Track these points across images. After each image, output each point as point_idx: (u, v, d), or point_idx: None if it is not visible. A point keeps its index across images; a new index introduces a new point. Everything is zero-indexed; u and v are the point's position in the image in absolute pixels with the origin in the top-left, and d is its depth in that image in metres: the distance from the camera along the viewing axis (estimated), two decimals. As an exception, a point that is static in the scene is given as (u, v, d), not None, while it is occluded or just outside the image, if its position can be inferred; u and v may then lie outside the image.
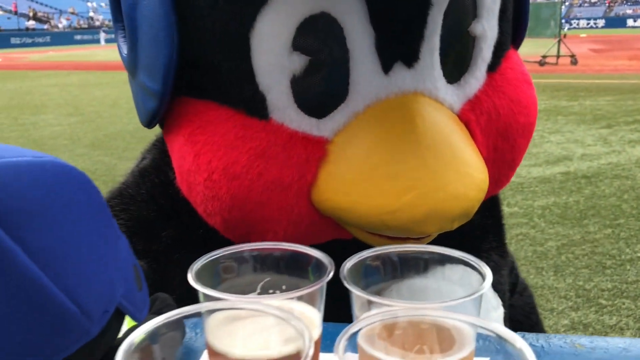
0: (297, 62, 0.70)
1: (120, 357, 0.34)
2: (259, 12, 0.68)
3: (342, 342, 0.36)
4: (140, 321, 0.44)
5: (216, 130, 0.74)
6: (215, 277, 0.48)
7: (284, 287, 0.48)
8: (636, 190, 4.60)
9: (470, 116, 0.78)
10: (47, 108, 9.85)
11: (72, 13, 54.61)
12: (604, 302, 2.89)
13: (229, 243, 0.56)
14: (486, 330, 0.39)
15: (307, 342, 0.36)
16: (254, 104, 0.72)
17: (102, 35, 34.00)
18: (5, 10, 48.01)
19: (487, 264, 0.91)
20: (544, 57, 13.94)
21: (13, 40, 29.95)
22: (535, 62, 13.69)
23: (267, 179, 0.71)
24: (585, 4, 61.32)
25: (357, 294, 0.44)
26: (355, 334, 0.38)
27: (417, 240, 0.73)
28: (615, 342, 0.57)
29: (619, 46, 19.71)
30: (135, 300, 0.44)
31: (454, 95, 0.78)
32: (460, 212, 0.69)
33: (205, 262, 0.48)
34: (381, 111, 0.72)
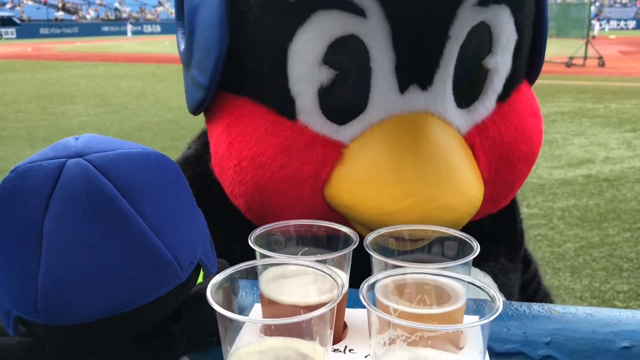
0: (325, 75, 0.79)
1: (209, 287, 0.48)
2: (297, 29, 0.78)
3: (365, 287, 0.50)
4: (211, 274, 0.58)
5: (249, 124, 0.84)
6: (268, 245, 0.62)
7: (319, 255, 0.62)
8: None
9: (476, 139, 0.85)
10: (75, 98, 10.06)
11: (100, 4, 55.30)
12: (619, 304, 2.95)
13: (251, 228, 0.68)
14: (468, 282, 0.53)
15: (340, 287, 0.50)
16: (284, 106, 0.82)
17: (129, 27, 34.35)
18: (35, 1, 48.78)
19: (495, 266, 1.03)
20: (571, 58, 13.80)
21: (42, 31, 30.44)
22: (562, 63, 13.58)
23: (288, 172, 0.81)
24: (617, 5, 60.22)
25: (377, 257, 0.58)
26: (374, 283, 0.52)
27: (412, 242, 0.77)
28: (583, 309, 0.70)
29: (649, 48, 19.44)
30: (210, 259, 0.58)
31: (463, 119, 0.85)
32: (449, 222, 0.76)
33: (261, 231, 0.62)
34: (393, 125, 0.81)
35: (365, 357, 0.58)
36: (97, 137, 0.55)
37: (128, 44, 26.47)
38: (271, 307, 0.58)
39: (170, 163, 0.56)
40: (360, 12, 0.77)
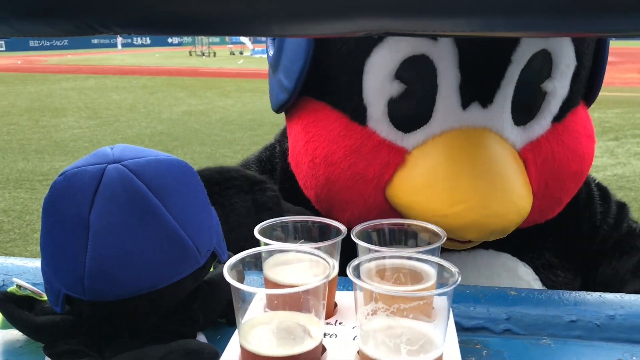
0: (396, 88, 0.90)
1: (226, 267, 0.59)
2: (375, 46, 0.89)
3: (351, 265, 0.61)
4: (223, 260, 0.69)
5: (325, 126, 0.96)
6: (271, 237, 0.73)
7: (313, 244, 0.72)
8: (639, 202, 4.79)
9: (529, 155, 0.92)
10: (67, 111, 10.07)
11: (89, 17, 55.14)
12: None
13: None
14: (435, 262, 0.64)
15: (331, 266, 0.62)
16: (357, 112, 0.93)
17: (119, 40, 34.36)
18: (23, 13, 48.55)
19: (537, 259, 1.05)
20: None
21: (32, 43, 30.39)
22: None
23: (355, 171, 0.92)
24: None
25: (361, 244, 0.69)
26: (359, 264, 0.63)
27: (461, 243, 0.90)
28: (537, 291, 0.82)
29: (631, 59, 19.69)
30: (222, 248, 0.69)
31: (518, 136, 0.92)
32: (496, 228, 0.85)
33: (264, 225, 0.73)
34: (453, 138, 0.89)
35: (353, 328, 0.69)
36: (129, 146, 0.66)
37: (118, 56, 26.57)
38: (274, 288, 0.70)
39: (189, 168, 0.67)
40: (431, 35, 0.85)
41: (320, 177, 0.96)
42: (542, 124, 0.94)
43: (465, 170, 0.87)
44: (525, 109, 0.93)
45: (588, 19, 0.36)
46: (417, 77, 0.90)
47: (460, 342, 0.68)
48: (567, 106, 0.96)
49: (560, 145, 0.95)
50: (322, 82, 0.97)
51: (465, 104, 0.90)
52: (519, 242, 1.03)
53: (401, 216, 0.91)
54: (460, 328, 0.75)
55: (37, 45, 30.53)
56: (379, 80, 0.91)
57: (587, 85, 1.01)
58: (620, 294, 0.80)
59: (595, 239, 1.12)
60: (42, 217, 0.63)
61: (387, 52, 0.89)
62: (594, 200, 1.14)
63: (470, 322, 0.76)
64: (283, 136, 1.15)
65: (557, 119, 0.95)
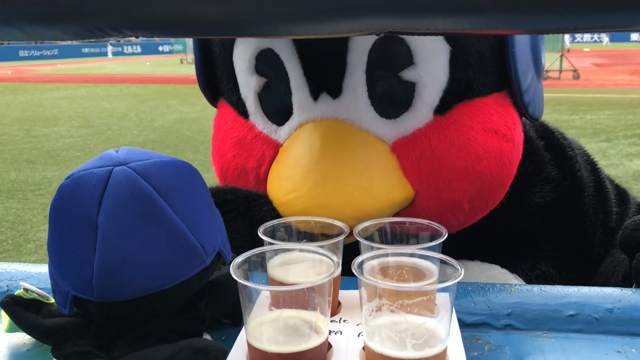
0: (257, 82, 0.94)
1: (232, 267, 0.60)
2: (233, 43, 0.94)
3: (356, 263, 0.62)
4: (228, 260, 0.70)
5: (222, 120, 1.02)
6: (274, 238, 0.74)
7: (316, 243, 0.73)
8: (628, 202, 4.84)
9: (402, 150, 0.87)
10: (59, 120, 10.03)
11: (79, 26, 55.05)
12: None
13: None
14: (437, 259, 0.65)
15: (335, 264, 0.62)
16: (239, 107, 0.98)
17: (110, 49, 34.31)
18: (13, 23, 48.38)
19: (531, 271, 0.98)
20: (547, 71, 14.07)
21: (21, 53, 30.29)
22: (537, 76, 13.84)
23: (238, 162, 0.97)
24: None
25: (364, 242, 0.70)
26: (362, 261, 0.64)
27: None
28: (537, 287, 0.83)
29: (622, 61, 19.84)
30: (227, 248, 0.70)
31: (387, 129, 0.88)
32: (328, 219, 0.77)
33: (267, 226, 0.74)
34: (306, 129, 0.90)
35: (357, 325, 0.70)
36: (133, 149, 0.67)
37: (109, 65, 26.50)
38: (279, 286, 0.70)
39: (193, 169, 0.68)
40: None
41: (216, 168, 1.02)
42: (417, 117, 0.87)
43: (304, 160, 0.87)
44: (388, 100, 0.88)
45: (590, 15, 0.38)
46: (269, 70, 0.93)
47: (463, 338, 0.69)
48: (451, 97, 0.88)
49: (442, 140, 0.87)
50: (217, 80, 1.04)
51: (314, 95, 0.90)
52: (506, 252, 1.00)
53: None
54: (463, 324, 0.76)
55: (27, 55, 30.44)
56: (242, 75, 0.95)
57: (502, 77, 0.91)
58: (619, 287, 0.81)
59: (612, 243, 1.04)
60: (50, 219, 0.63)
61: (243, 48, 0.94)
62: (608, 202, 1.08)
63: (472, 317, 0.77)
64: None
65: (440, 110, 0.88)
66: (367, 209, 0.83)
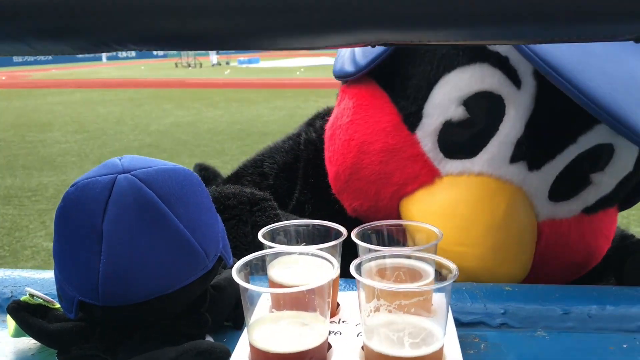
0: (459, 114, 0.89)
1: (234, 270, 0.62)
2: (458, 66, 0.88)
3: (353, 265, 0.64)
4: (229, 264, 0.72)
5: (375, 115, 0.95)
6: (275, 240, 0.76)
7: (315, 246, 0.75)
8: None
9: (546, 230, 0.92)
10: (54, 126, 10.02)
11: (72, 31, 54.97)
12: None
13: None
14: (433, 260, 0.67)
15: (334, 266, 0.64)
16: (411, 118, 0.93)
17: (104, 53, 34.21)
18: (6, 29, 48.29)
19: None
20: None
21: (15, 59, 30.22)
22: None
23: (383, 169, 0.93)
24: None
25: (361, 245, 0.72)
26: (360, 263, 0.66)
27: None
28: (530, 286, 0.85)
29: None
30: (228, 252, 0.72)
31: (545, 209, 0.92)
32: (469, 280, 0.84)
33: (267, 230, 0.76)
34: (488, 184, 0.88)
35: (356, 325, 0.72)
36: (136, 157, 0.69)
37: (104, 69, 26.49)
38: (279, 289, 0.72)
39: (195, 176, 0.70)
40: (517, 82, 0.85)
41: (348, 159, 0.96)
42: (572, 208, 0.93)
43: (485, 220, 0.87)
44: (565, 189, 0.92)
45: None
46: (483, 113, 0.89)
47: (459, 337, 0.71)
48: (603, 203, 0.95)
49: (578, 236, 0.94)
50: (393, 74, 0.96)
51: (513, 159, 0.89)
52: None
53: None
54: (459, 323, 0.78)
55: (20, 60, 30.37)
56: (446, 98, 0.90)
57: (630, 191, 1.00)
58: (610, 285, 0.83)
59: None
60: (55, 226, 0.65)
61: (467, 77, 0.88)
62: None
63: (468, 317, 0.79)
64: (308, 126, 1.16)
65: (588, 210, 0.94)
66: (517, 278, 0.90)
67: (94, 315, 0.65)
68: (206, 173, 1.22)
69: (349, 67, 1.00)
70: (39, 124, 10.24)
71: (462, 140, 0.91)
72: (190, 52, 27.63)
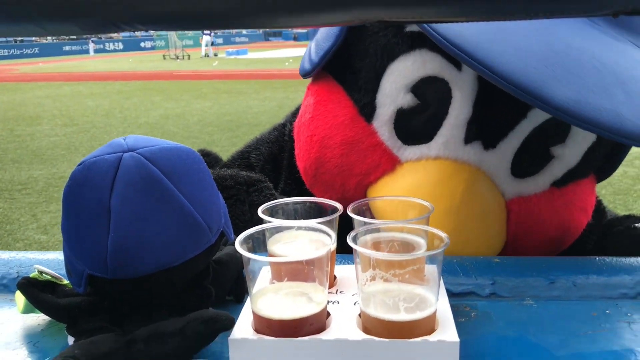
0: (408, 101, 0.91)
1: (237, 242, 0.65)
2: (402, 54, 0.89)
3: (351, 236, 0.67)
4: (231, 239, 0.75)
5: (333, 110, 0.98)
6: (274, 216, 0.79)
7: (312, 220, 0.78)
8: (613, 186, 4.90)
9: (514, 207, 0.92)
10: (42, 119, 9.95)
11: (58, 24, 54.35)
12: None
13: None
14: (424, 231, 0.70)
15: (331, 238, 0.67)
16: (366, 109, 0.95)
17: (91, 46, 33.98)
18: (-9, 22, 47.70)
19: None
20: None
21: (1, 52, 29.91)
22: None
23: (345, 161, 0.95)
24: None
25: (357, 218, 0.75)
26: (356, 235, 0.69)
27: None
28: (518, 258, 0.89)
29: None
30: (229, 227, 0.75)
31: (511, 186, 0.92)
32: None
33: (266, 207, 0.79)
34: (446, 167, 0.90)
35: (352, 295, 0.75)
36: (140, 136, 0.71)
37: (91, 62, 26.27)
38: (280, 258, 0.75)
39: (197, 154, 0.73)
40: (457, 64, 0.87)
41: (312, 154, 1.00)
42: (539, 183, 0.94)
43: (444, 203, 0.87)
44: (527, 164, 0.93)
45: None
46: (431, 97, 0.91)
47: (451, 306, 0.75)
48: (572, 175, 0.95)
49: (550, 211, 0.94)
50: (346, 68, 0.99)
51: (468, 140, 0.90)
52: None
53: (374, 217, 0.94)
54: (450, 293, 0.82)
55: (6, 54, 30.07)
56: (394, 87, 0.92)
57: (603, 161, 1.00)
58: (594, 256, 0.87)
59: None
60: (63, 204, 0.68)
61: (411, 64, 0.90)
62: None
63: (459, 287, 0.83)
64: (293, 117, 1.18)
65: (557, 184, 0.95)
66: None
67: (103, 289, 0.68)
68: (208, 159, 1.25)
69: (307, 65, 1.04)
70: (27, 118, 10.16)
71: (416, 126, 0.93)
72: (178, 44, 27.48)
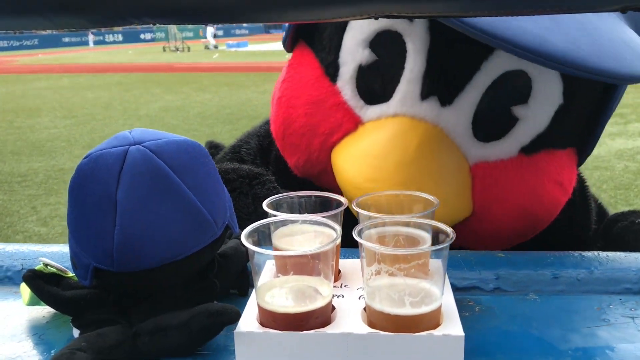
0: (367, 57, 0.92)
1: (243, 235, 0.65)
2: None
3: (356, 230, 0.67)
4: (236, 233, 0.75)
5: (301, 71, 1.01)
6: (278, 210, 0.79)
7: (317, 214, 0.78)
8: (615, 181, 4.91)
9: (479, 173, 0.90)
10: (42, 111, 9.94)
11: (58, 15, 54.18)
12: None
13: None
14: (429, 226, 0.70)
15: (336, 232, 0.68)
16: (331, 68, 0.97)
17: (91, 37, 33.87)
18: (-10, 13, 47.53)
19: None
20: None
21: (0, 44, 29.81)
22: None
23: (309, 121, 0.96)
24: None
25: (362, 213, 0.75)
26: (362, 229, 0.69)
27: None
28: (522, 253, 0.89)
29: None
30: (234, 221, 0.75)
31: (474, 150, 0.90)
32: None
33: (270, 200, 0.79)
34: (402, 124, 0.89)
35: (357, 289, 0.75)
36: (146, 129, 0.71)
37: (91, 54, 26.21)
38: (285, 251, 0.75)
39: (202, 148, 0.73)
40: (427, 17, 0.83)
41: (279, 116, 1.02)
42: (504, 149, 0.91)
43: (395, 156, 0.87)
44: (489, 126, 0.91)
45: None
46: (387, 52, 0.92)
47: (455, 300, 0.75)
48: (541, 142, 0.92)
49: (518, 178, 0.91)
50: (313, 29, 1.02)
51: (424, 95, 0.89)
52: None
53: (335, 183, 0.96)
54: (455, 288, 0.82)
55: (6, 45, 29.98)
56: (354, 42, 0.94)
57: (581, 135, 0.98)
58: (598, 252, 0.88)
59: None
60: (70, 197, 0.68)
61: (365, 21, 0.91)
62: (589, 218, 1.11)
63: (463, 282, 0.83)
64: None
65: (526, 150, 0.92)
66: (446, 219, 0.84)
67: (108, 281, 0.68)
68: (215, 151, 1.26)
69: (284, 35, 1.07)
70: (26, 110, 10.15)
71: (376, 84, 0.94)
72: (178, 36, 27.41)
